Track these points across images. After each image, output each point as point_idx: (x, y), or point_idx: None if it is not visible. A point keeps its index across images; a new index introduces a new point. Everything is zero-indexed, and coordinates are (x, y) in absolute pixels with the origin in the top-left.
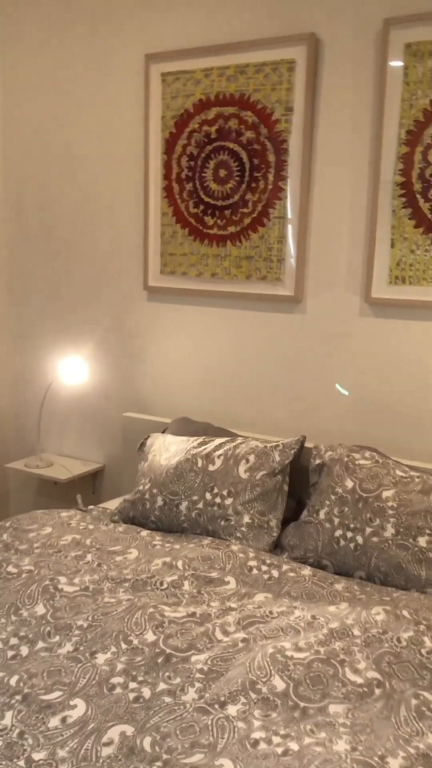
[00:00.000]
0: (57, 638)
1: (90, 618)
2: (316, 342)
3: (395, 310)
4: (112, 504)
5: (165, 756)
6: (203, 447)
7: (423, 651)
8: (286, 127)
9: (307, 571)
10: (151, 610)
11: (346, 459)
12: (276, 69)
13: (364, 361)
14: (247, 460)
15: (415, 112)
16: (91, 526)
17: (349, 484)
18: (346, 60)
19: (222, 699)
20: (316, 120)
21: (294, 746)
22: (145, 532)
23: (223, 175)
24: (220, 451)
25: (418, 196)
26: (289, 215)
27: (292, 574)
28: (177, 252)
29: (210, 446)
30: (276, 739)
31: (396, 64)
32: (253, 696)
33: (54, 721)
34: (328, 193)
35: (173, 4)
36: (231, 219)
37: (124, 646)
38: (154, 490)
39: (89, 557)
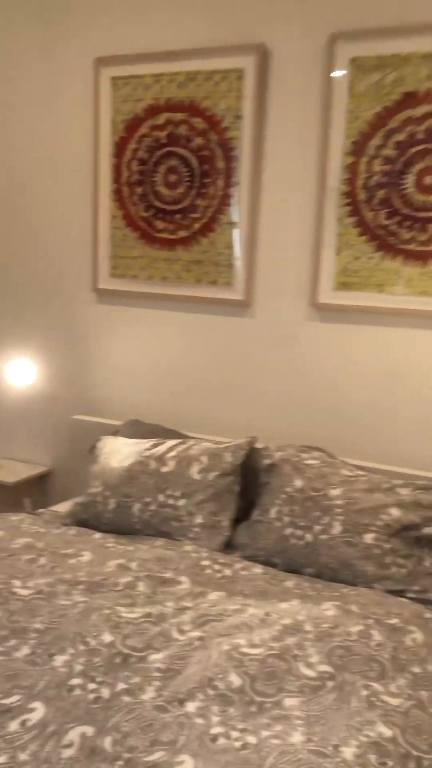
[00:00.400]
0: (13, 642)
1: (46, 621)
2: (264, 345)
3: (340, 315)
4: (62, 507)
5: (126, 755)
6: (156, 449)
7: (372, 644)
8: (236, 135)
9: (258, 569)
10: (107, 611)
11: (295, 459)
12: (226, 77)
13: (310, 364)
14: (200, 462)
15: (360, 124)
16: (42, 530)
17: (299, 483)
18: (294, 71)
19: (180, 696)
20: (264, 128)
21: (252, 740)
22: (97, 535)
23: (173, 180)
24: (173, 453)
25: (362, 205)
26: (239, 221)
27: (244, 573)
28: (127, 255)
29: (162, 448)
30: (234, 734)
31: (340, 76)
32: (211, 693)
33: (13, 725)
34: (277, 201)
35: (125, 9)
36: (181, 224)
37: (81, 647)
38: (107, 493)
39: (42, 560)
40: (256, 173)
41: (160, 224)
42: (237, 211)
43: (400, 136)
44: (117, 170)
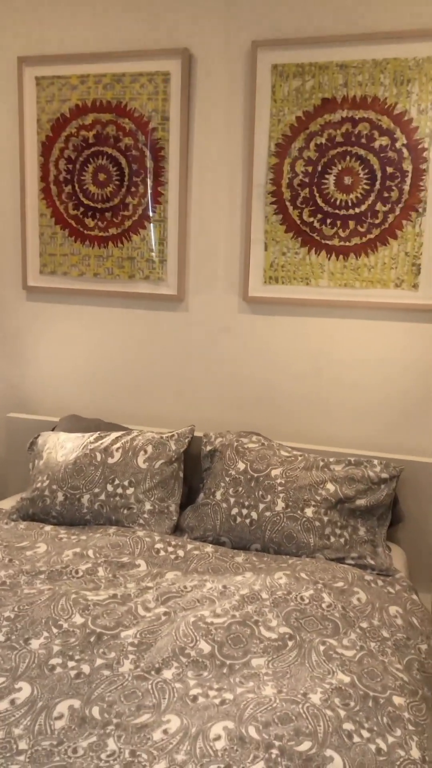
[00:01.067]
0: None
1: (15, 609)
2: (198, 338)
3: (270, 307)
4: (4, 505)
5: (116, 720)
6: (100, 441)
7: (323, 605)
8: (164, 135)
9: (209, 548)
10: (74, 595)
11: (236, 444)
12: (152, 80)
13: (243, 354)
14: (145, 451)
15: (283, 127)
16: None
17: (241, 466)
18: (219, 75)
19: (157, 666)
20: (191, 129)
21: (229, 696)
22: (48, 527)
23: (102, 178)
24: (118, 444)
25: (287, 203)
26: (170, 219)
27: (196, 552)
28: (57, 252)
29: (107, 440)
30: (212, 693)
31: (264, 82)
32: (184, 660)
33: (3, 704)
34: (206, 199)
35: (49, 10)
36: (112, 221)
37: (55, 630)
38: (54, 486)
39: None
40: (185, 173)
41: (90, 222)
42: (168, 209)
43: (321, 139)
44: (44, 169)
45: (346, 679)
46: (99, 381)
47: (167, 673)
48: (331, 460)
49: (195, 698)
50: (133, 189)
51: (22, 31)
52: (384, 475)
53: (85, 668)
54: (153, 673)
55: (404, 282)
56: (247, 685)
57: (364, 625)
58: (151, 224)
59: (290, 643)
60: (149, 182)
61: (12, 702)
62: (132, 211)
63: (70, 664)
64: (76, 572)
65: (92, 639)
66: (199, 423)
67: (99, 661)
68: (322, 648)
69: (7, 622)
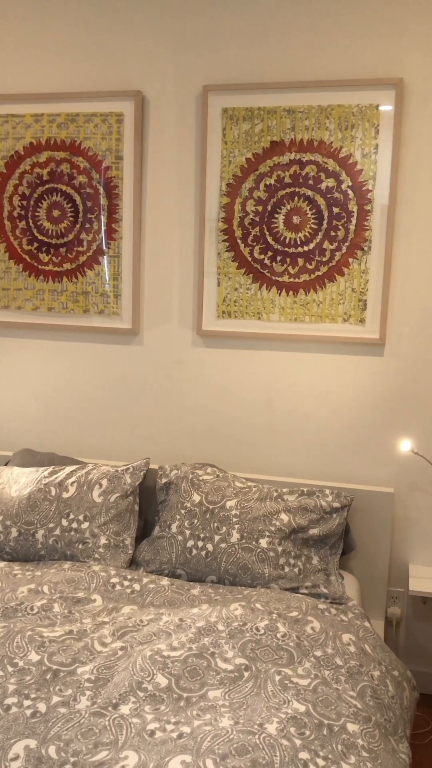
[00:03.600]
0: None
1: None
2: (153, 371)
3: (223, 341)
4: None
5: (72, 759)
6: (54, 476)
7: (278, 635)
8: (117, 174)
9: (165, 581)
10: (30, 633)
11: (191, 476)
12: (105, 120)
13: (197, 387)
14: (101, 485)
15: (234, 168)
16: None
17: (197, 498)
18: (171, 117)
19: (114, 701)
20: (145, 168)
21: (186, 729)
22: (2, 564)
23: (56, 215)
24: (73, 479)
25: (239, 241)
26: (124, 254)
27: (152, 586)
28: (11, 287)
29: (61, 474)
30: (169, 727)
31: (214, 124)
32: (141, 694)
33: None
34: (160, 237)
35: (2, 49)
36: (66, 257)
37: (10, 668)
38: (7, 522)
39: None
40: (138, 210)
41: (44, 257)
42: (122, 245)
43: (270, 180)
44: None
45: (302, 708)
46: (53, 415)
47: (124, 709)
48: (285, 490)
49: (152, 733)
50: (87, 225)
51: None
52: (336, 504)
53: (41, 706)
54: (110, 708)
55: (351, 317)
56: (204, 717)
57: (318, 653)
58: (105, 258)
59: (246, 674)
60: (103, 219)
61: None
62: (86, 247)
63: (26, 702)
64: (32, 609)
65: (48, 676)
66: (153, 455)
67: (55, 699)
68: (277, 678)
69: None
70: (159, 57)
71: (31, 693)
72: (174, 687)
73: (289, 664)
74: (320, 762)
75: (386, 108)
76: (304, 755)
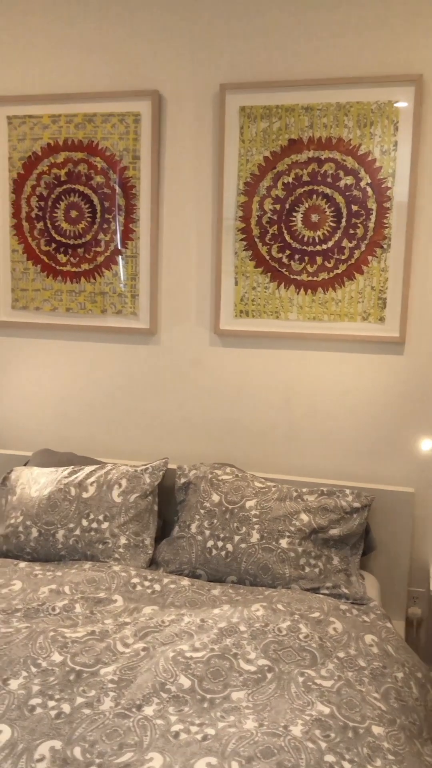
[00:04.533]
0: None
1: None
2: (170, 371)
3: (241, 340)
4: None
5: (98, 760)
6: (74, 476)
7: (300, 636)
8: (135, 174)
9: (185, 581)
10: (52, 633)
11: (210, 476)
12: (123, 120)
13: (214, 386)
14: (120, 485)
15: (251, 167)
16: None
17: (216, 498)
18: (188, 116)
19: (137, 702)
20: (162, 168)
21: (211, 731)
22: (22, 564)
23: (74, 215)
24: (92, 479)
25: (256, 239)
26: (142, 254)
27: (172, 586)
28: (29, 287)
29: (81, 474)
30: (194, 728)
31: (232, 123)
32: (165, 696)
33: None
34: (177, 236)
35: (21, 50)
36: (84, 257)
37: (34, 669)
38: (28, 522)
39: None
40: (156, 210)
41: (62, 258)
42: (140, 245)
43: (288, 178)
44: (16, 206)
45: (326, 710)
46: (71, 415)
47: (148, 710)
48: (304, 490)
49: (177, 734)
50: (105, 225)
51: None
52: (356, 505)
53: (66, 707)
54: (134, 710)
55: (371, 315)
56: (228, 719)
57: (341, 654)
58: (120, 258)
59: (269, 675)
60: (120, 219)
61: None
62: (104, 247)
63: (50, 703)
64: (53, 609)
65: (72, 677)
66: (171, 455)
67: (79, 700)
68: (300, 679)
69: None
70: (176, 56)
71: (55, 694)
72: (197, 688)
73: (312, 666)
74: (346, 765)
75: (405, 105)
76: (329, 758)
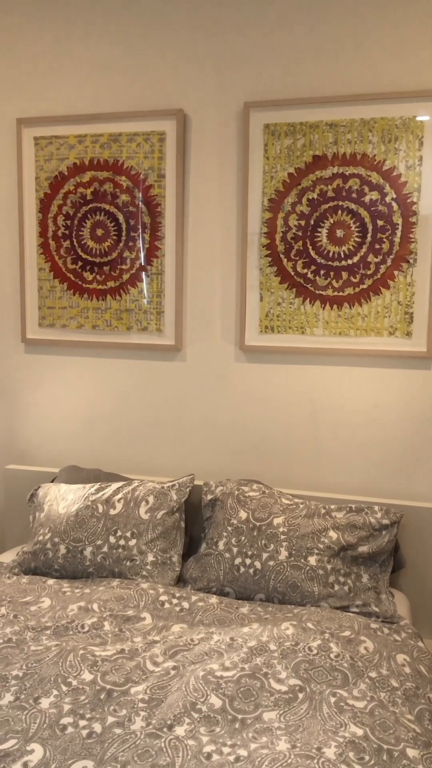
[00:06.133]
0: None
1: (23, 666)
2: (196, 387)
3: (266, 356)
4: (4, 558)
5: None
6: (101, 493)
7: (332, 655)
8: (160, 192)
9: (213, 599)
10: (82, 651)
11: (236, 492)
12: (148, 139)
13: (240, 402)
14: (147, 502)
15: (276, 183)
16: None
17: (243, 515)
18: (213, 134)
19: (169, 722)
20: (187, 186)
21: (243, 752)
22: (51, 581)
23: (100, 234)
24: (119, 495)
25: (281, 255)
26: (167, 271)
27: (201, 604)
28: (56, 305)
29: (108, 491)
30: (226, 750)
31: (256, 140)
32: (196, 716)
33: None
34: (202, 253)
35: (47, 72)
36: (110, 275)
37: (64, 688)
38: (56, 539)
39: (3, 610)
40: (181, 227)
41: (88, 275)
42: (165, 263)
43: (313, 194)
44: (43, 225)
45: (359, 732)
46: (97, 431)
47: (179, 730)
48: (332, 507)
49: (209, 755)
50: (130, 243)
51: (21, 93)
52: (385, 521)
53: (97, 727)
54: (165, 730)
55: (398, 330)
56: (261, 740)
57: (373, 674)
58: (143, 274)
59: (301, 696)
60: (146, 237)
61: (25, 765)
62: (130, 265)
63: (82, 723)
64: (82, 627)
65: (102, 696)
66: (197, 471)
67: (110, 719)
68: (332, 699)
69: (15, 681)
70: (200, 75)
71: (86, 713)
72: (228, 708)
73: (344, 686)
74: None
75: (428, 119)
76: None
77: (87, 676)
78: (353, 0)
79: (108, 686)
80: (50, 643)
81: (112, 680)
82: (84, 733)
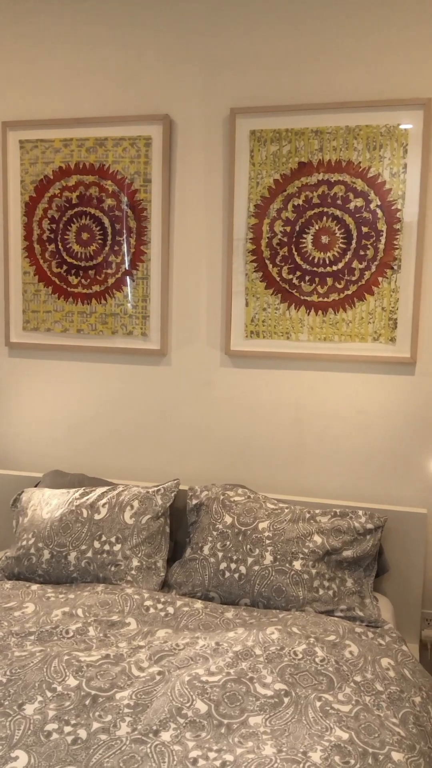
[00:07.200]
0: None
1: (7, 672)
2: (181, 391)
3: (252, 361)
4: None
5: None
6: (86, 497)
7: (317, 660)
8: (145, 197)
9: (199, 604)
10: (66, 657)
11: (222, 497)
12: (134, 144)
13: (225, 407)
14: (132, 506)
15: (261, 190)
16: None
17: (228, 519)
18: (199, 140)
19: (154, 728)
20: (173, 191)
21: (229, 757)
22: (35, 586)
23: (85, 237)
24: (104, 500)
25: (267, 261)
26: (152, 276)
27: (186, 609)
28: (40, 309)
29: (93, 496)
30: (212, 755)
31: (242, 147)
32: (181, 721)
33: None
34: (188, 258)
35: (32, 75)
36: (95, 279)
37: (49, 694)
38: (40, 544)
39: None
40: (167, 232)
41: (73, 279)
42: (150, 267)
43: (298, 201)
44: (28, 228)
45: (345, 736)
46: (82, 436)
47: (165, 735)
48: (317, 511)
49: (195, 761)
50: (116, 248)
51: (6, 96)
52: (369, 526)
53: (82, 733)
54: (151, 735)
55: (382, 336)
56: (247, 745)
57: (358, 678)
58: (128, 278)
59: (286, 700)
60: (131, 241)
61: None
62: (115, 269)
63: (66, 729)
64: (67, 632)
65: (87, 702)
66: (182, 476)
67: (95, 725)
68: (318, 704)
69: None
70: (186, 81)
71: (71, 719)
72: (214, 713)
73: (329, 690)
74: None
75: (411, 126)
76: None
77: (72, 682)
78: (339, 9)
79: (93, 692)
80: (34, 648)
81: (97, 686)
82: (69, 739)
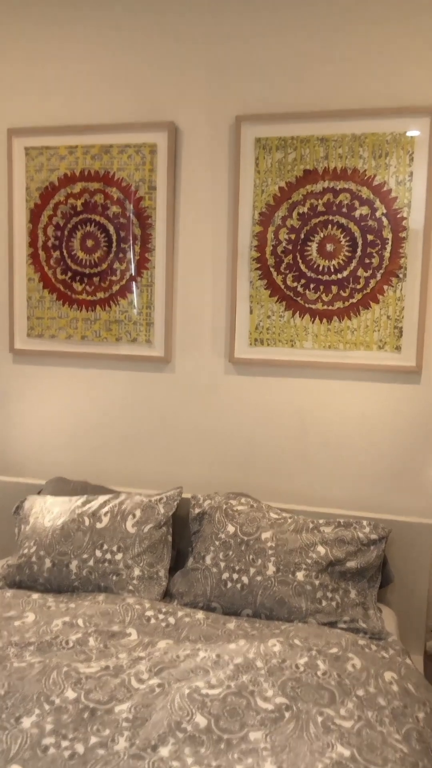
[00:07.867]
0: None
1: (5, 684)
2: (185, 399)
3: (256, 368)
4: None
5: None
6: (88, 506)
7: (318, 673)
8: (150, 204)
9: (200, 615)
10: (66, 668)
11: (224, 506)
12: (139, 151)
13: (229, 415)
14: (134, 515)
15: (266, 197)
16: None
17: (231, 529)
18: (204, 147)
19: (153, 743)
20: (178, 198)
21: None
22: (36, 595)
23: (90, 245)
24: (106, 509)
25: (271, 269)
26: (157, 283)
27: (187, 620)
28: (45, 316)
29: (95, 504)
30: None
31: (247, 154)
32: (180, 735)
33: None
34: (192, 265)
35: (38, 82)
36: (100, 286)
37: (47, 706)
38: (41, 552)
39: None
40: (172, 239)
41: (78, 286)
42: (155, 274)
43: (303, 209)
44: (33, 235)
45: (346, 753)
46: (85, 443)
47: (164, 751)
48: (321, 521)
49: None
50: (120, 255)
51: (12, 103)
52: (373, 536)
53: (79, 748)
54: (149, 750)
55: (387, 344)
56: (246, 761)
57: (361, 693)
58: (133, 285)
59: (287, 714)
60: (136, 248)
61: None
62: (120, 276)
63: (64, 743)
64: (67, 643)
65: (86, 715)
66: (185, 484)
67: (93, 740)
68: (320, 719)
69: None
70: (191, 88)
71: (69, 733)
72: (214, 728)
73: (331, 704)
74: None
75: (418, 133)
76: None
77: (70, 694)
78: (345, 16)
79: (91, 704)
80: (33, 659)
81: (95, 698)
82: (66, 754)
